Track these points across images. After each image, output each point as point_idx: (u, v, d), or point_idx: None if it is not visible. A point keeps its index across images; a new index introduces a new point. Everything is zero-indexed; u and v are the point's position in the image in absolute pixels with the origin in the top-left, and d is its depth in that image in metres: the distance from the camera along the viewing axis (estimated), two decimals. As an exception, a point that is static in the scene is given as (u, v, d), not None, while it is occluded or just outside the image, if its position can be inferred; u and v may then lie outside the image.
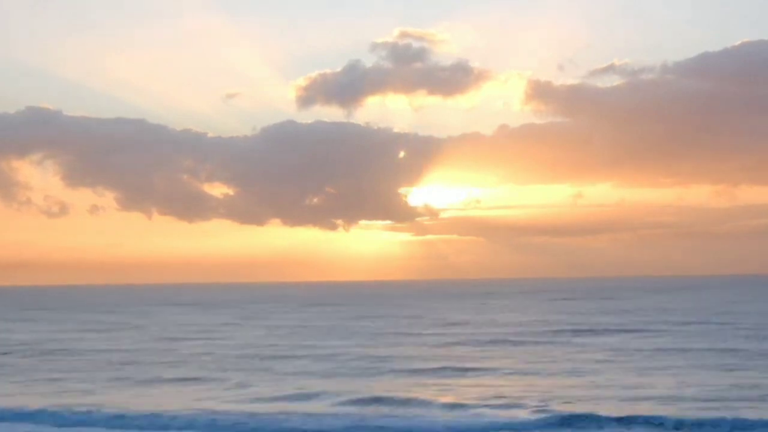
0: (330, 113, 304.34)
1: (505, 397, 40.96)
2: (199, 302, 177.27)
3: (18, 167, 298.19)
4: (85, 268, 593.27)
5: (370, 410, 38.40)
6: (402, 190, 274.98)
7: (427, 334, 78.52)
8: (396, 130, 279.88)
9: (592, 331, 76.12)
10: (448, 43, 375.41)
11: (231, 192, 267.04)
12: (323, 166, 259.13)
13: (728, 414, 35.26)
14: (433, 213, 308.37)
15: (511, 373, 49.72)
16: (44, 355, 65.21)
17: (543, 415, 36.33)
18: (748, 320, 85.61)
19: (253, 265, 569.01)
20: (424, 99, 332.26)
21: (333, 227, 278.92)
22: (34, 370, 55.52)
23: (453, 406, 38.88)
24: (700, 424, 34.34)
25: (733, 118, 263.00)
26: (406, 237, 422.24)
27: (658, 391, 41.78)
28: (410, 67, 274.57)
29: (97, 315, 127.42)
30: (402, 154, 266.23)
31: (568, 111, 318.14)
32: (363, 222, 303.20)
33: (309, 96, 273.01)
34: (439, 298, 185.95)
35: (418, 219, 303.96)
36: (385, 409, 38.60)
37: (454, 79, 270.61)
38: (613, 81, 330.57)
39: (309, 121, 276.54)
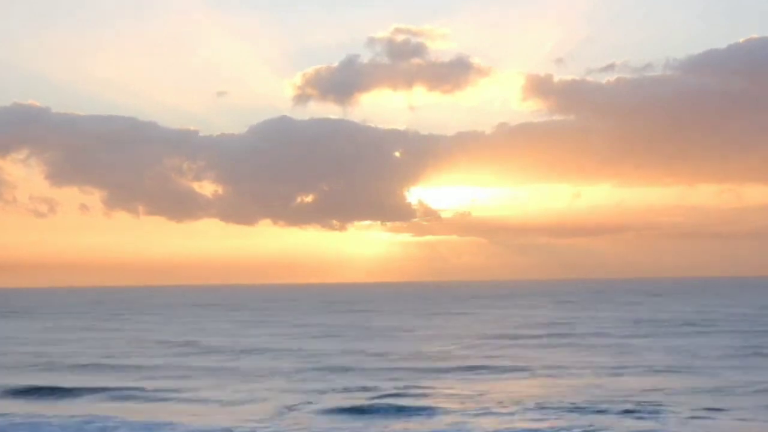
0: (326, 110, 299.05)
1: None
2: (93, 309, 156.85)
3: (1, 165, 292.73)
4: (72, 270, 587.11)
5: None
6: (400, 190, 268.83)
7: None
8: (393, 127, 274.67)
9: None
10: (446, 38, 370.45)
11: (221, 191, 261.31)
12: (317, 165, 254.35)
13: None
14: (431, 213, 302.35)
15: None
16: None
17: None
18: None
19: (246, 266, 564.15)
20: (421, 96, 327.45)
21: (328, 227, 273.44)
22: None
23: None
24: None
25: (738, 115, 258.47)
26: (404, 238, 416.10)
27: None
28: (407, 63, 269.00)
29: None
30: (399, 152, 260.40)
31: (568, 108, 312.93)
32: (359, 222, 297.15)
33: (304, 93, 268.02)
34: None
35: (416, 219, 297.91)
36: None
37: (452, 75, 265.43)
38: (616, 77, 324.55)
39: (304, 119, 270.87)
